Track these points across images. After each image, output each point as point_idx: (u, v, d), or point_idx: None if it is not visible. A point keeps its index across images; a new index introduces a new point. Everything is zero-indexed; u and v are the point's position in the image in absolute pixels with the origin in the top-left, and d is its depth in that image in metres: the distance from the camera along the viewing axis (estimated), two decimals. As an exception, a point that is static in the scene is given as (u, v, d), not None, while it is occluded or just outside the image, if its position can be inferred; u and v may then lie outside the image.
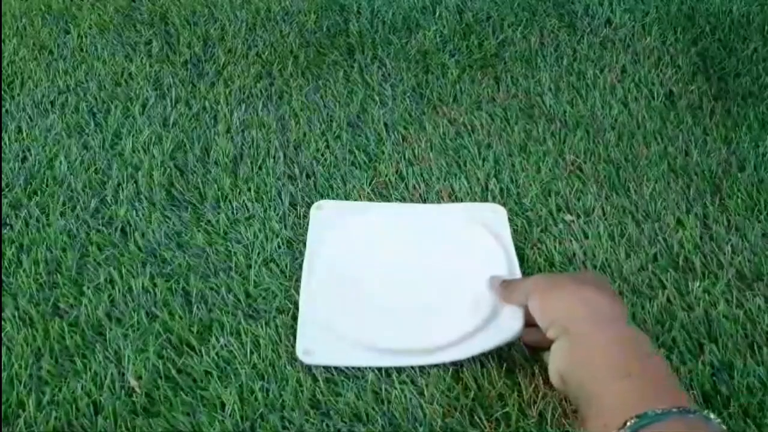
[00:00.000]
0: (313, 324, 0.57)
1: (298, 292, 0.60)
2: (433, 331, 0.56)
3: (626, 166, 0.74)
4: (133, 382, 0.54)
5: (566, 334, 0.48)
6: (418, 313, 0.58)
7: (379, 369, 0.55)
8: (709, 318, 0.59)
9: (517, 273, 0.61)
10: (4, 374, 0.54)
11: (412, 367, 0.55)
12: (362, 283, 0.60)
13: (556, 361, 0.49)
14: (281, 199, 0.70)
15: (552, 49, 0.91)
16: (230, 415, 0.52)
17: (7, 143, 0.75)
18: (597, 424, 0.43)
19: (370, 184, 0.72)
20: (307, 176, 0.73)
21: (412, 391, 0.54)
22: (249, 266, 0.63)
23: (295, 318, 0.58)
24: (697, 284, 0.62)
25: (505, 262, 0.61)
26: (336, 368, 0.55)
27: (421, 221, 0.66)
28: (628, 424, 0.41)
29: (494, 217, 0.67)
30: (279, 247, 0.65)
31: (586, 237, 0.67)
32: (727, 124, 0.80)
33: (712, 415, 0.42)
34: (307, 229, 0.66)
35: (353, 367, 0.55)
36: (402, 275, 0.61)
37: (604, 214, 0.69)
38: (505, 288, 0.57)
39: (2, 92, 0.82)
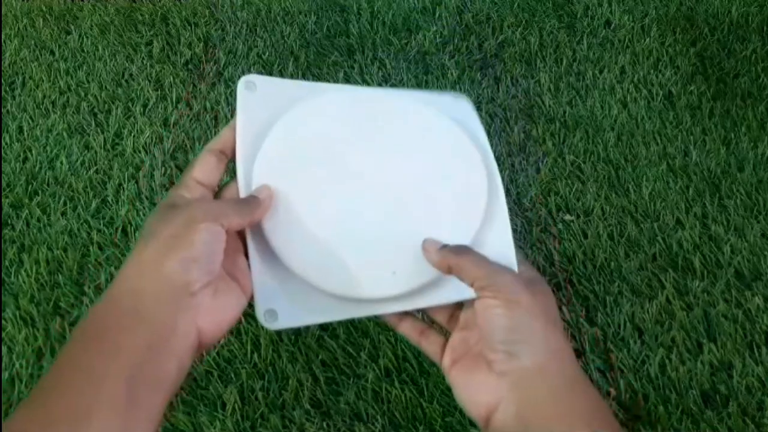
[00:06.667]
0: (269, 276, 0.41)
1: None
2: (409, 270, 0.41)
3: (625, 166, 0.75)
4: (134, 382, 0.54)
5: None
6: (385, 247, 0.42)
7: (379, 368, 0.55)
8: (708, 317, 0.60)
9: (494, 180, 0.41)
10: (6, 373, 0.54)
11: (412, 366, 0.55)
12: (319, 210, 0.42)
13: None
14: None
15: (551, 50, 0.91)
16: (231, 415, 0.52)
17: (9, 143, 0.75)
18: None
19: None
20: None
21: (412, 391, 0.54)
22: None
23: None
24: (697, 284, 0.62)
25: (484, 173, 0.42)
26: (335, 366, 0.55)
27: (382, 120, 0.44)
28: None
29: (458, 107, 0.46)
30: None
31: (586, 237, 0.67)
32: (726, 124, 0.80)
33: None
34: None
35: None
36: (366, 197, 0.43)
37: (603, 214, 0.69)
38: (458, 255, 0.38)
39: (3, 92, 0.82)
